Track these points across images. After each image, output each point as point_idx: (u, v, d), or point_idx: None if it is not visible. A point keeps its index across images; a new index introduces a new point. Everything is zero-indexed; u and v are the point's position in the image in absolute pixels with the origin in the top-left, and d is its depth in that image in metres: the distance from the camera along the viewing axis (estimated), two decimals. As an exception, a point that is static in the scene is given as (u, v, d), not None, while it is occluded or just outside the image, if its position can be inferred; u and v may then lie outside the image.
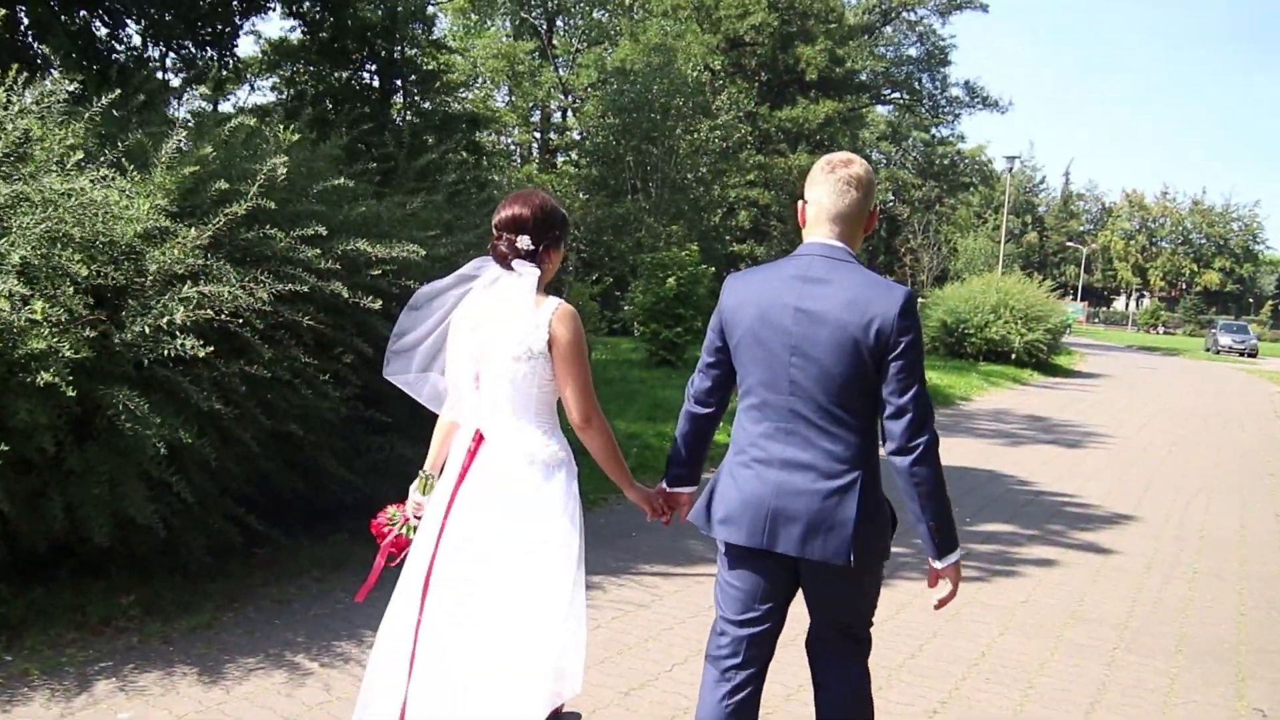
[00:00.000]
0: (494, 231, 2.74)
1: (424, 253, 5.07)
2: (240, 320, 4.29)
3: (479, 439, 2.71)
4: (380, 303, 4.90)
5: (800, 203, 2.58)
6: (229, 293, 4.21)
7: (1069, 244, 76.48)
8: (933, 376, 14.83)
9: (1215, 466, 10.50)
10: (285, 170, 4.80)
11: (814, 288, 2.41)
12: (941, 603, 2.55)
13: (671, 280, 15.64)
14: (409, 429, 5.82)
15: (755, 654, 2.59)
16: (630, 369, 14.93)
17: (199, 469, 4.46)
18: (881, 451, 2.44)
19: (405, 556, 2.79)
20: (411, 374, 2.81)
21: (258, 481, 4.89)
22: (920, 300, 19.87)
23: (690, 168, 23.64)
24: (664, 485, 2.84)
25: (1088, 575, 5.91)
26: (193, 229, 4.34)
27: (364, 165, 8.61)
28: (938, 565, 2.48)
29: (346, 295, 4.70)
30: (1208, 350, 42.47)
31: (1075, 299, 71.14)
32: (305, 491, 5.16)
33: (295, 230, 4.73)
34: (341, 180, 5.26)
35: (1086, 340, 43.07)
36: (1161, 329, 66.47)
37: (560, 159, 34.19)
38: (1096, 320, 72.36)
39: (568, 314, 2.65)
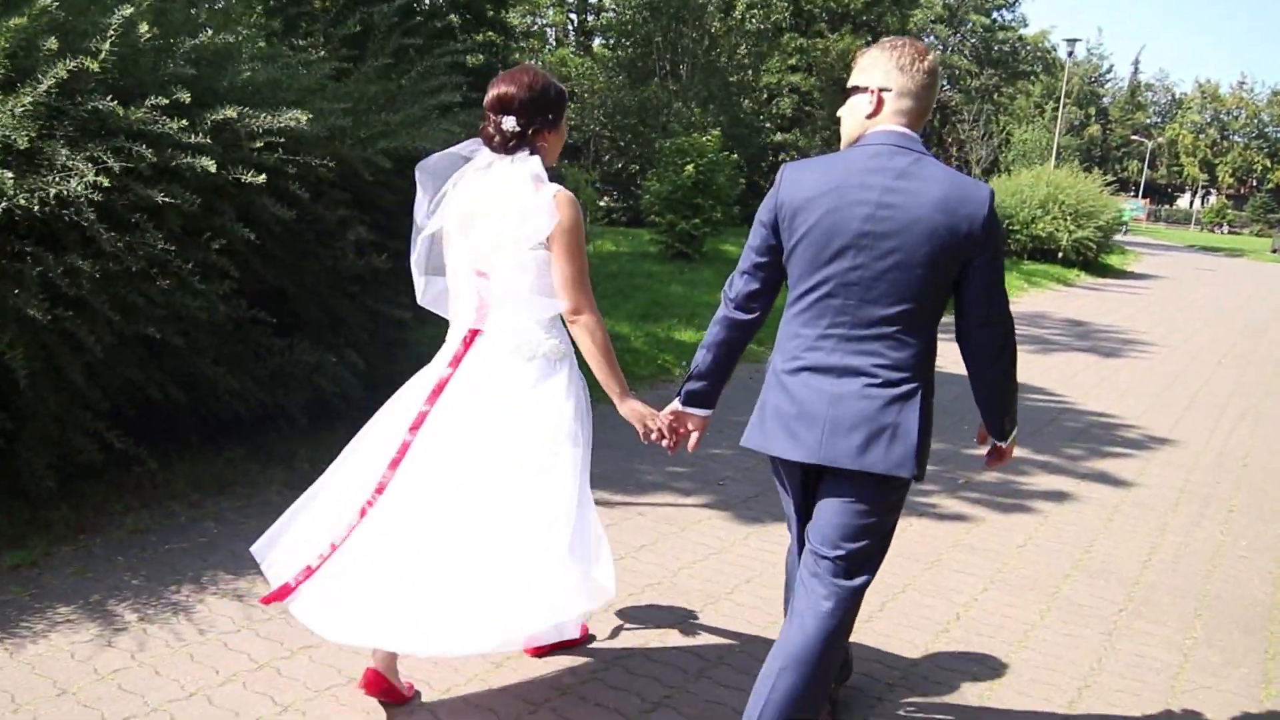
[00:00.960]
0: (485, 113, 2.59)
1: (306, 118, 4.24)
2: (72, 208, 3.57)
3: (474, 331, 2.61)
4: (264, 177, 4.13)
5: (872, 91, 2.34)
6: (48, 179, 3.48)
7: (1134, 138, 73.08)
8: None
9: (1270, 383, 9.51)
10: (148, 27, 4.02)
11: (895, 180, 2.25)
12: (992, 464, 2.62)
13: (690, 168, 14.60)
14: (320, 331, 5.13)
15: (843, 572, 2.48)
16: (642, 262, 14.07)
17: (42, 377, 3.80)
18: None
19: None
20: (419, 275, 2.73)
21: (130, 392, 4.24)
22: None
23: (725, 49, 22.15)
24: (677, 403, 2.61)
25: (1103, 514, 5.12)
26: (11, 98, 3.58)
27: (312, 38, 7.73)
28: (1004, 444, 2.54)
29: (214, 170, 3.93)
30: (1274, 251, 40.29)
31: (1137, 196, 68.44)
32: (191, 404, 4.51)
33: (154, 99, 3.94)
34: (220, 37, 4.42)
35: (1145, 239, 41.09)
36: (1226, 228, 63.53)
37: (597, 41, 32.69)
38: (1158, 219, 69.36)
39: (565, 199, 2.52)
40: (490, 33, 29.21)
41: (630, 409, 2.64)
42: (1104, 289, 18.52)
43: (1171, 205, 77.33)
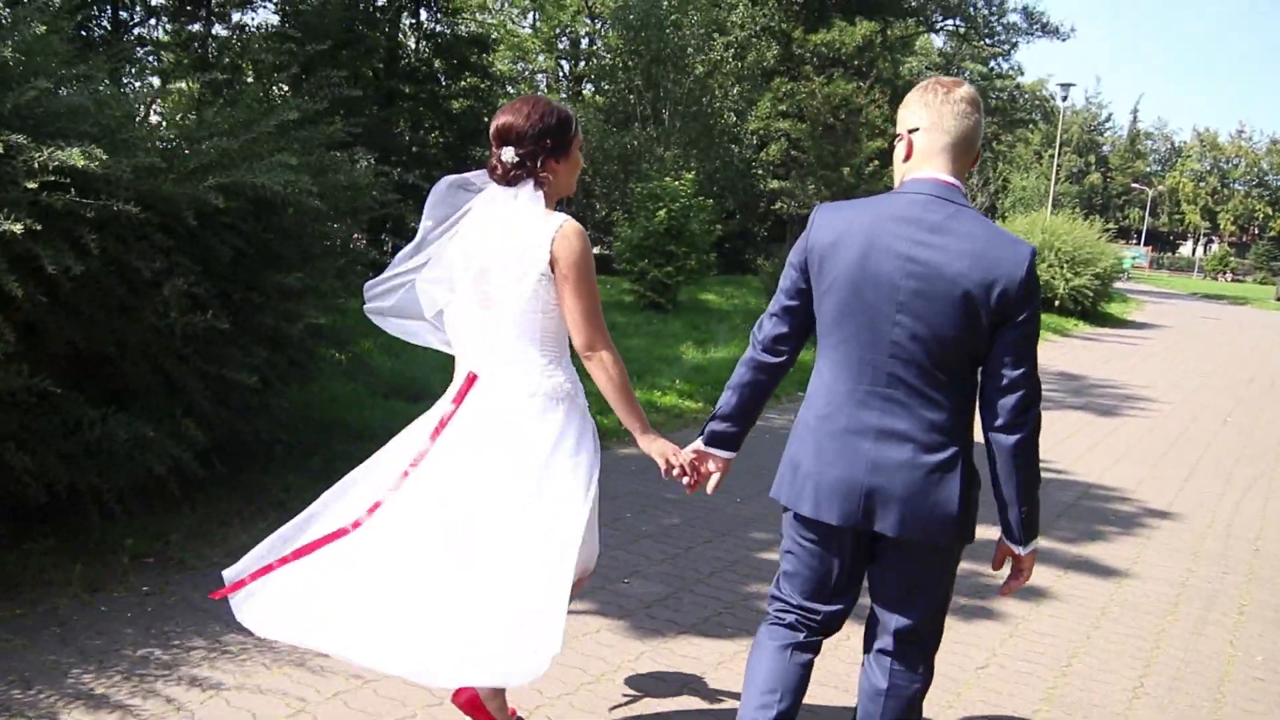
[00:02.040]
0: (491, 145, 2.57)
1: (97, 157, 3.47)
2: None
3: (472, 377, 2.56)
4: (40, 226, 3.36)
5: (905, 134, 2.27)
6: None
7: (1134, 186, 72.87)
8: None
9: None
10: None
11: (928, 234, 2.14)
12: (1012, 589, 2.37)
13: (662, 213, 13.91)
14: (155, 400, 4.32)
15: (824, 631, 2.42)
16: (610, 312, 13.30)
17: None
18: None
19: None
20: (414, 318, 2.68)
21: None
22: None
23: (704, 91, 21.60)
24: (700, 443, 2.53)
25: (1087, 620, 4.25)
26: None
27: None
28: (1021, 551, 2.29)
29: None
30: (1278, 299, 39.57)
31: (1139, 243, 67.96)
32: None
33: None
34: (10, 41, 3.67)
35: (1147, 287, 40.32)
36: (1230, 276, 62.85)
37: (587, 87, 32.35)
38: (1160, 266, 68.76)
39: (572, 231, 2.45)
40: (473, 78, 28.78)
41: (652, 445, 2.57)
42: (1102, 339, 17.70)
43: (1174, 253, 76.86)
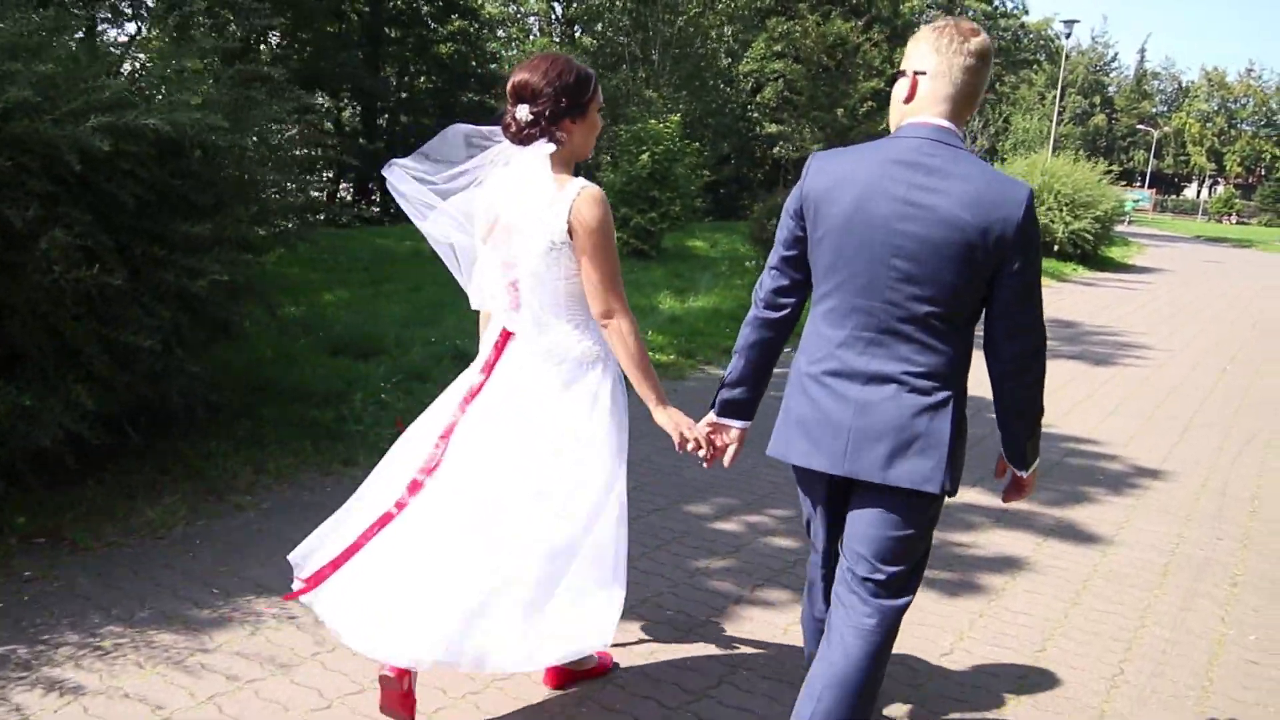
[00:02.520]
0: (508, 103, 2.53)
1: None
2: None
3: (506, 334, 2.57)
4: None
5: (911, 74, 2.20)
6: None
7: (1140, 127, 71.67)
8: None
9: (1280, 394, 8.27)
10: None
11: (926, 178, 2.10)
12: (1010, 498, 2.42)
13: (645, 156, 13.42)
14: (46, 365, 3.93)
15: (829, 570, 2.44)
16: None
17: None
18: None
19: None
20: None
21: None
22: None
23: (697, 31, 20.91)
24: (712, 414, 2.47)
25: (1067, 593, 3.91)
26: None
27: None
28: (1023, 474, 2.33)
29: None
30: (1284, 241, 38.95)
31: (1143, 186, 66.96)
32: None
33: None
34: None
35: (1151, 230, 39.63)
36: (1235, 218, 61.99)
37: (579, 31, 31.53)
38: (1165, 209, 67.85)
39: (591, 197, 2.42)
40: (462, 20, 27.91)
41: (667, 417, 2.53)
42: (1101, 284, 17.25)
43: (1179, 195, 75.91)
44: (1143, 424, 6.86)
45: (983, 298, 2.15)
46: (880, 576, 2.25)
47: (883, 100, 21.67)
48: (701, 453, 2.48)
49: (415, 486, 2.49)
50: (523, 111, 2.45)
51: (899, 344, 2.15)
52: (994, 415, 2.28)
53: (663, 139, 13.60)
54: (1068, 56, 68.58)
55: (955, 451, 2.18)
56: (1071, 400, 7.43)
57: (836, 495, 2.34)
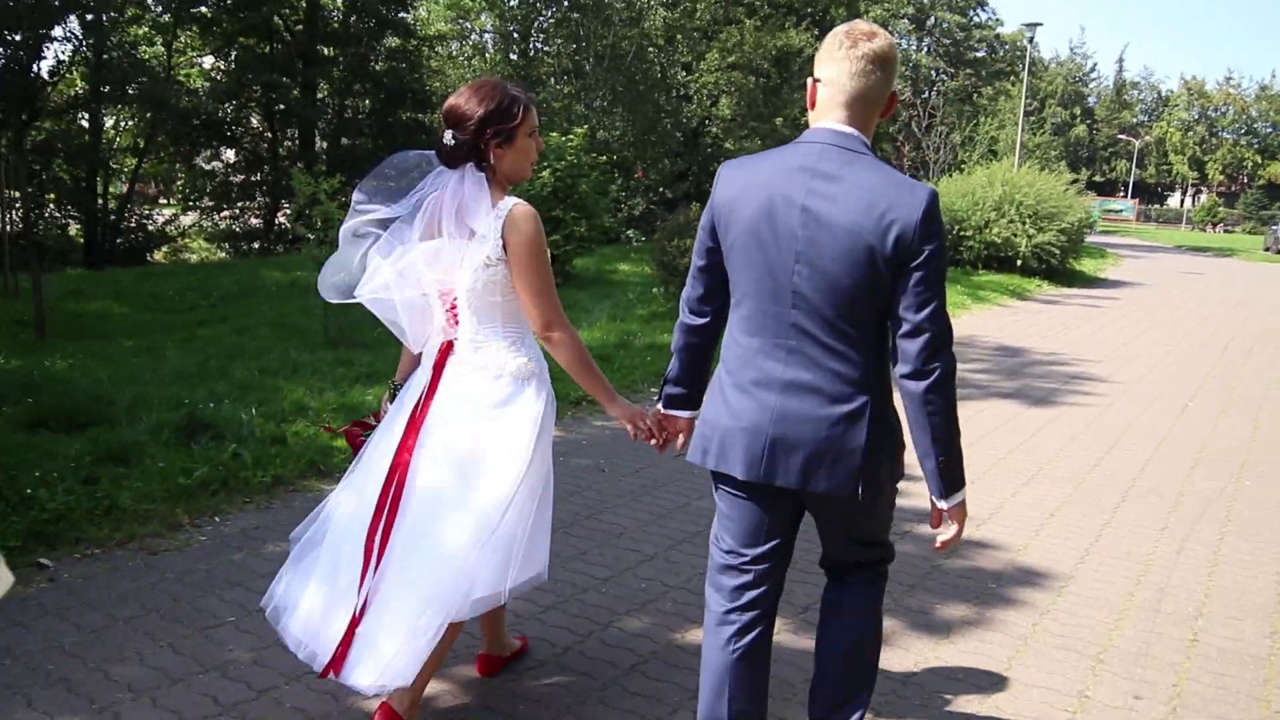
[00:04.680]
0: None
1: None
2: None
3: (445, 349, 2.66)
4: None
5: (811, 81, 2.25)
6: None
7: (1120, 137, 70.88)
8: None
9: (1254, 443, 6.83)
10: None
11: (823, 184, 2.13)
12: (945, 544, 2.30)
13: (546, 173, 12.00)
14: None
15: (760, 594, 2.38)
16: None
17: None
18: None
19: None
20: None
21: None
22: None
23: (632, 42, 19.58)
24: (659, 407, 2.61)
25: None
26: None
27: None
28: (943, 505, 2.25)
29: None
30: (1267, 250, 37.66)
31: (1126, 196, 65.96)
32: None
33: None
34: None
35: (1132, 240, 38.48)
36: (1219, 227, 60.90)
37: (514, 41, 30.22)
38: (1149, 219, 66.80)
39: (523, 213, 2.51)
40: (398, 39, 26.52)
41: (621, 410, 2.65)
42: (1065, 301, 15.88)
43: (1162, 204, 75.03)
44: (1069, 493, 5.40)
45: (887, 301, 2.12)
46: (854, 560, 2.42)
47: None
48: (653, 442, 2.61)
49: (377, 529, 2.54)
50: (448, 138, 2.53)
51: (814, 350, 2.15)
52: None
53: (565, 154, 12.20)
54: (1046, 67, 68.05)
55: (870, 457, 2.15)
56: (990, 459, 5.98)
57: (781, 509, 2.33)
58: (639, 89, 19.77)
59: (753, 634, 2.36)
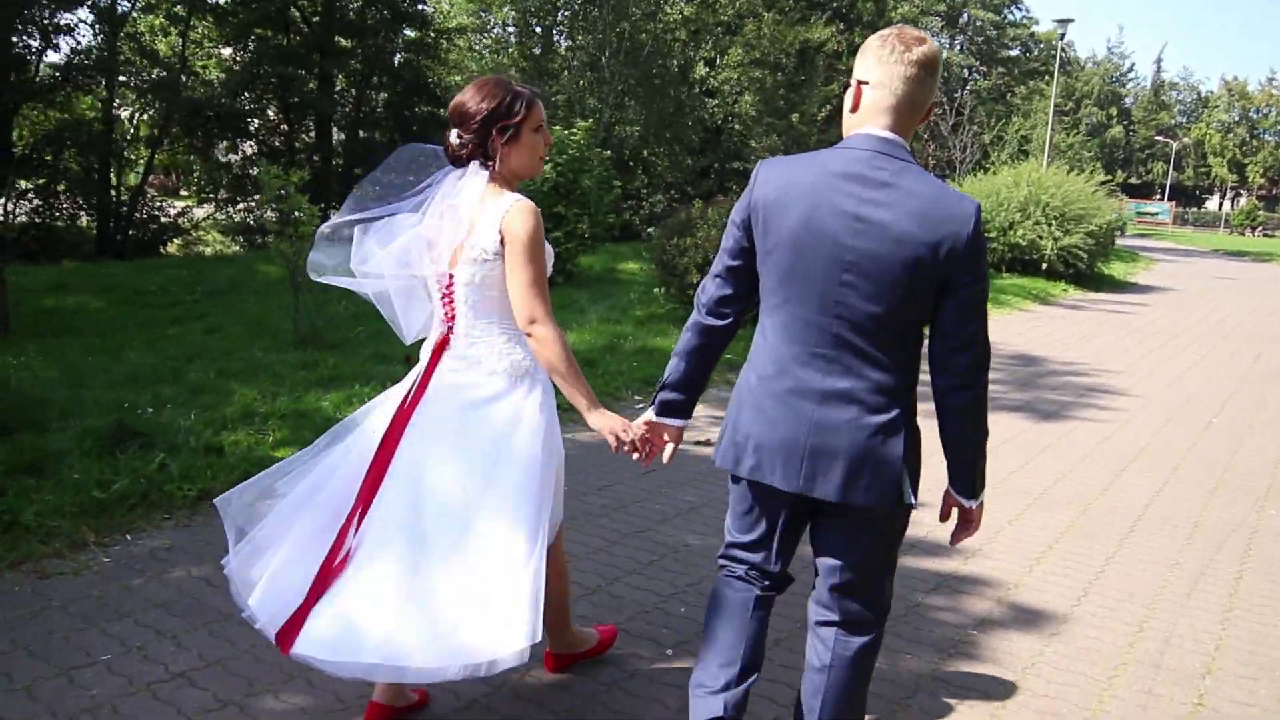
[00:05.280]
0: None
1: None
2: None
3: (442, 343, 2.66)
4: None
5: (855, 83, 2.20)
6: None
7: (1158, 139, 69.52)
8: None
9: (1278, 465, 6.31)
10: None
11: (875, 192, 2.09)
12: (959, 538, 2.37)
13: (548, 169, 11.61)
14: None
15: (776, 588, 2.39)
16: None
17: None
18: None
19: None
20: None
21: None
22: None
23: (650, 34, 19.13)
24: (651, 414, 2.50)
25: None
26: None
27: None
28: (970, 505, 2.30)
29: None
30: (1307, 255, 36.63)
31: (1163, 198, 64.63)
32: None
33: None
34: None
35: (1168, 245, 37.47)
36: (1260, 231, 59.48)
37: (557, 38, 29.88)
38: (1185, 222, 65.43)
39: (523, 209, 2.52)
40: (415, 31, 26.24)
41: (600, 420, 2.57)
42: (1090, 307, 15.27)
43: (1200, 208, 73.54)
44: (1074, 519, 4.93)
45: (930, 313, 2.13)
46: (854, 606, 2.28)
47: (839, 106, 19.84)
48: (635, 456, 2.51)
49: (360, 513, 2.53)
50: (453, 136, 2.57)
51: (853, 360, 2.13)
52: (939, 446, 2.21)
53: (567, 148, 11.81)
54: (1082, 67, 66.83)
55: (909, 469, 2.16)
56: (989, 480, 5.48)
57: (796, 514, 2.31)
58: (654, 83, 19.29)
59: (761, 614, 2.38)
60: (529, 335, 2.54)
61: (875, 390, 2.13)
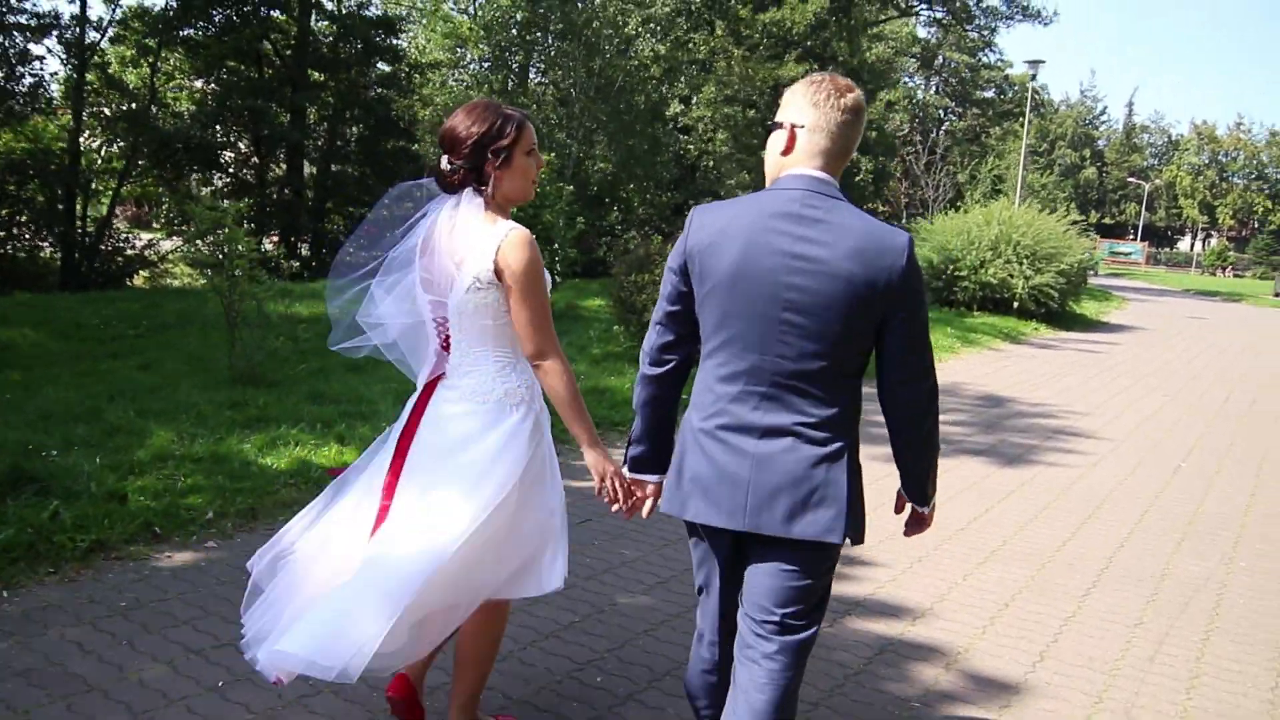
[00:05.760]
0: None
1: None
2: None
3: (435, 378, 2.67)
4: None
5: (786, 127, 2.23)
6: None
7: (1130, 180, 70.37)
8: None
9: (1250, 509, 6.08)
10: None
11: (809, 229, 2.12)
12: (911, 534, 2.44)
13: (508, 203, 11.37)
14: None
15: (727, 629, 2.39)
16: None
17: None
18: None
19: None
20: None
21: None
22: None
23: (620, 70, 19.03)
24: (626, 471, 2.49)
25: None
26: None
27: None
28: (924, 510, 2.37)
29: None
30: (1276, 295, 36.86)
31: (1135, 239, 65.25)
32: None
33: None
34: None
35: (1140, 284, 37.66)
36: (1230, 271, 60.11)
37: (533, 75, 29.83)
38: (1158, 262, 66.08)
39: (518, 240, 2.48)
40: (389, 64, 26.07)
41: (595, 458, 2.54)
42: (1061, 346, 15.14)
43: (1172, 248, 74.39)
44: (1032, 575, 4.67)
45: (871, 347, 2.16)
46: (777, 618, 2.20)
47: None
48: (615, 507, 2.50)
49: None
50: (444, 161, 2.53)
51: (793, 397, 2.14)
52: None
53: (529, 181, 11.58)
54: (1056, 109, 67.68)
55: (854, 500, 2.16)
56: (944, 532, 5.24)
57: (737, 551, 2.29)
58: (623, 119, 19.16)
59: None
60: (537, 369, 2.54)
61: (817, 424, 2.14)
